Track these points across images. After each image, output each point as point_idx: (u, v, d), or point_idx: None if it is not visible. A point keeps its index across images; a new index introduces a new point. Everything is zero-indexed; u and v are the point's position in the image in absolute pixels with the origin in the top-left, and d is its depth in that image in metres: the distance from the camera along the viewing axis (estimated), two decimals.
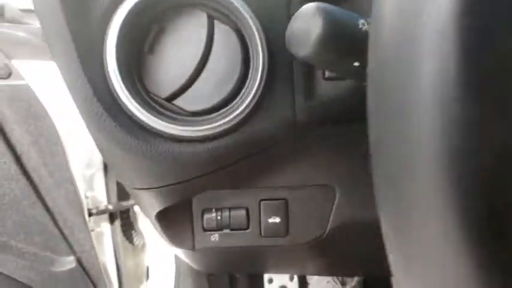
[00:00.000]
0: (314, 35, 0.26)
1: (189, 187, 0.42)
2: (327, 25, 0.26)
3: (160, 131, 0.36)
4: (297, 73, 0.40)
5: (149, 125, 0.35)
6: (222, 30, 0.38)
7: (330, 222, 0.48)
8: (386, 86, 0.19)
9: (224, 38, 0.37)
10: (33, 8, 0.38)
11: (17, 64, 0.68)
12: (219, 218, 0.47)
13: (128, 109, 0.35)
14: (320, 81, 0.42)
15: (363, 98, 0.43)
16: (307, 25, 0.27)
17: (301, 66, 0.41)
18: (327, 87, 0.41)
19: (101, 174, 0.84)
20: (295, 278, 1.01)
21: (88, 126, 0.36)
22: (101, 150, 0.38)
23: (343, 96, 0.42)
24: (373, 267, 0.67)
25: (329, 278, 0.95)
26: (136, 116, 0.35)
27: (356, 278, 0.95)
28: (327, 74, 0.41)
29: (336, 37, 0.27)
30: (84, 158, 0.79)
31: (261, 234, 0.48)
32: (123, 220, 0.92)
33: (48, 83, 0.71)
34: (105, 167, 0.84)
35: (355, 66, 0.28)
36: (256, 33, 0.36)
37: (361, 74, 0.29)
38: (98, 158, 0.82)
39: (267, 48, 0.37)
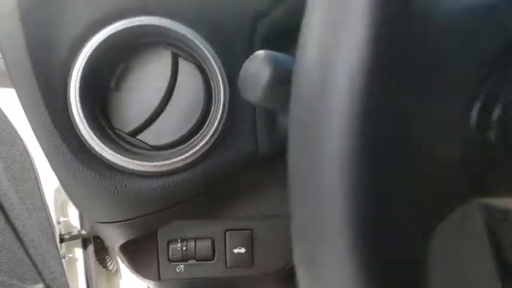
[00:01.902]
0: (262, 81, 0.28)
1: (152, 220, 0.42)
2: (275, 72, 0.28)
3: (120, 166, 0.36)
4: (259, 108, 0.42)
5: (109, 160, 0.36)
6: (185, 67, 0.39)
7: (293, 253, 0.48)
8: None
9: (188, 75, 0.39)
10: None
11: None
12: (184, 248, 0.47)
13: (89, 144, 0.36)
14: (281, 115, 0.43)
15: None
16: (256, 71, 0.28)
17: None
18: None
19: None
20: None
21: (49, 161, 0.37)
22: (63, 185, 0.39)
23: None
24: None
25: None
26: (96, 151, 0.36)
27: None
28: None
29: (284, 83, 0.28)
30: (57, 183, 0.78)
31: (226, 265, 0.48)
32: (97, 245, 0.91)
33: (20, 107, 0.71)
34: None
35: None
36: (217, 70, 0.38)
37: None
38: None
39: (228, 85, 0.38)
